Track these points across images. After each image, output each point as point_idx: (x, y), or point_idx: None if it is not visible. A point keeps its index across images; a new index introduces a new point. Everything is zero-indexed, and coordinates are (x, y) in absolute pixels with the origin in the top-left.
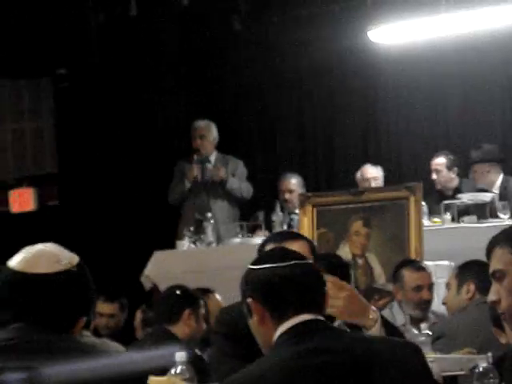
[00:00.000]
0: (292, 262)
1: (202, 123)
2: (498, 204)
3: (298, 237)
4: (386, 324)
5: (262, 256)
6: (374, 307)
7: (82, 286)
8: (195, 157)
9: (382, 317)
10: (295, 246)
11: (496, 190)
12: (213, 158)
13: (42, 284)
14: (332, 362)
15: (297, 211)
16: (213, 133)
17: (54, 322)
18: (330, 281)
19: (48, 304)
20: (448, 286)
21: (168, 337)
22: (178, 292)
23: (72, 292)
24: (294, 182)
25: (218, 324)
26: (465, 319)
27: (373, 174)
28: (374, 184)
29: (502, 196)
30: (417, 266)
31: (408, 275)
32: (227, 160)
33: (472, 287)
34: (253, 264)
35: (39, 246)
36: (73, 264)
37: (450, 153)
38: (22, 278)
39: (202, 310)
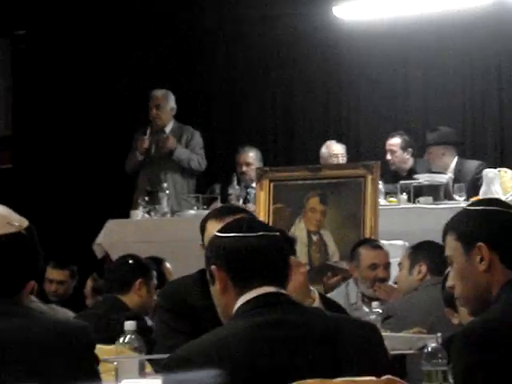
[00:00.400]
0: (259, 233)
1: (158, 93)
2: (454, 186)
3: (237, 211)
4: (327, 301)
5: (230, 224)
6: (311, 287)
7: (32, 250)
8: (148, 128)
9: (322, 295)
10: None
11: (450, 172)
12: (168, 128)
13: None
14: (292, 335)
15: (254, 185)
16: (170, 103)
17: (2, 285)
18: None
19: None
20: (400, 266)
21: (118, 306)
22: (130, 261)
23: (21, 255)
24: (251, 155)
25: (163, 298)
26: (415, 299)
27: (339, 150)
28: (341, 161)
29: (456, 179)
30: (373, 244)
31: (364, 253)
32: (183, 130)
33: (424, 268)
34: (219, 231)
35: None
36: (23, 227)
37: (404, 133)
38: None
39: (154, 281)
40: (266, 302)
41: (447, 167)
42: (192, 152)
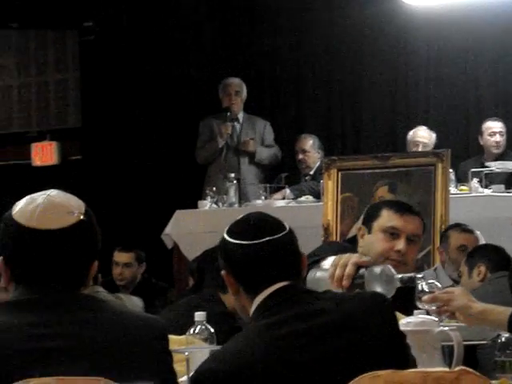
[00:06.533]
0: (265, 239)
1: (236, 80)
2: None
3: (415, 213)
4: None
5: (238, 228)
6: None
7: (93, 232)
8: (228, 114)
9: None
10: (411, 222)
11: None
12: (240, 117)
13: (58, 240)
14: (309, 326)
15: (311, 172)
16: (244, 91)
17: (69, 277)
18: None
19: (64, 259)
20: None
21: (216, 301)
22: None
23: (85, 242)
24: (309, 143)
25: None
26: (482, 292)
27: (422, 138)
28: (420, 149)
29: None
30: (464, 227)
31: (453, 235)
32: (254, 121)
33: (483, 269)
34: (228, 234)
35: (44, 196)
36: (82, 212)
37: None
38: (38, 236)
39: None
40: (279, 299)
41: None
42: (268, 146)
